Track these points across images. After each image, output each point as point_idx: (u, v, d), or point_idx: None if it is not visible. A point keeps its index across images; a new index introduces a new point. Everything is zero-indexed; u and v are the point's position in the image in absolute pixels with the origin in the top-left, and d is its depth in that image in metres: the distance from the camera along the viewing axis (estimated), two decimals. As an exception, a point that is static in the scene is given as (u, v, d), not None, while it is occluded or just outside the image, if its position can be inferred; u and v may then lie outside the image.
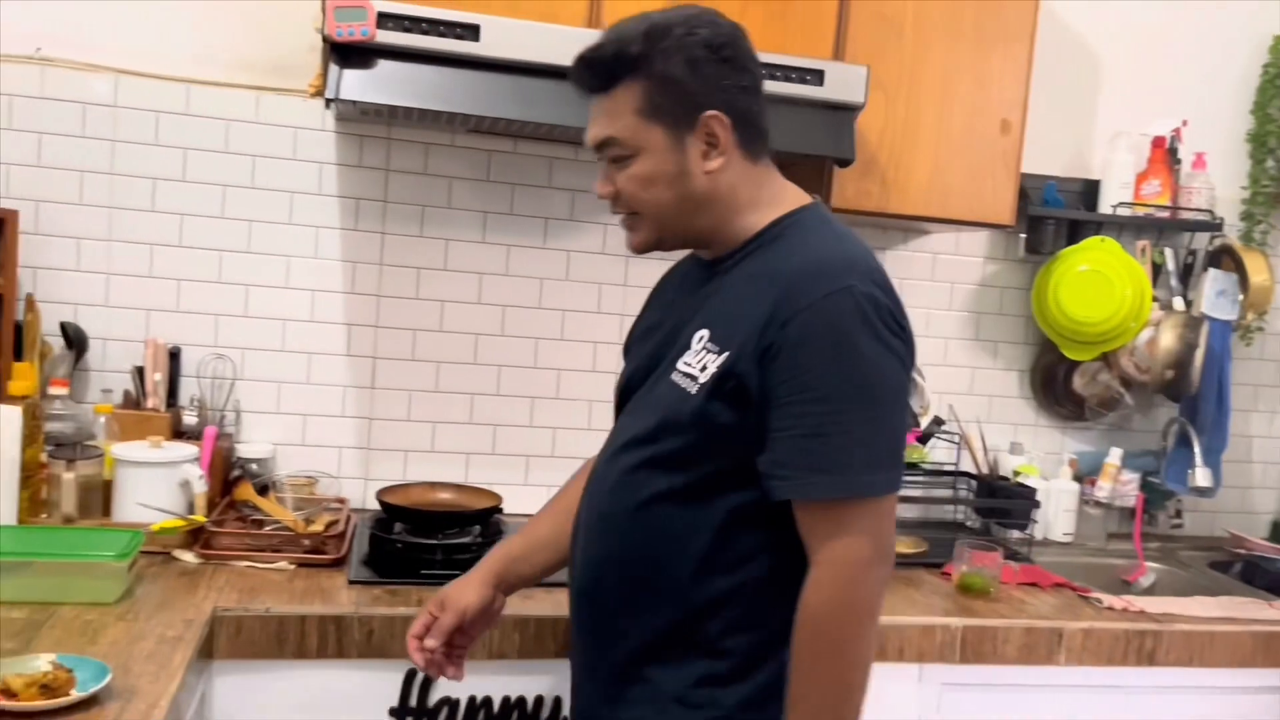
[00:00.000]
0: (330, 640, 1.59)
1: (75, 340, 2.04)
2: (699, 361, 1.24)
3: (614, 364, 2.28)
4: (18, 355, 1.94)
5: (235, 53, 2.09)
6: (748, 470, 1.21)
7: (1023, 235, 2.45)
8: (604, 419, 2.28)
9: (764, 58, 1.80)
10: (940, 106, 2.07)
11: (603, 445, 1.41)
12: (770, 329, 1.18)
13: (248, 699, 1.58)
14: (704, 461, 1.24)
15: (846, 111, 1.91)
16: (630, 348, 1.46)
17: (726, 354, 1.21)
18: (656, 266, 2.08)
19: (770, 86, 1.82)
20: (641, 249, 1.33)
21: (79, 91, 2.03)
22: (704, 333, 1.25)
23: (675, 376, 1.26)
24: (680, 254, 1.45)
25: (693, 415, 1.23)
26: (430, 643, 1.41)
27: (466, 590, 1.44)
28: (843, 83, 1.89)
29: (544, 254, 2.25)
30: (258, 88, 2.09)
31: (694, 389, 1.23)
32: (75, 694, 1.18)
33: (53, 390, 1.94)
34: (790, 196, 1.32)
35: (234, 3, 2.08)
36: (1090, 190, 2.47)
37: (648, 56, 1.22)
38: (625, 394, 1.40)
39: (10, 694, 1.16)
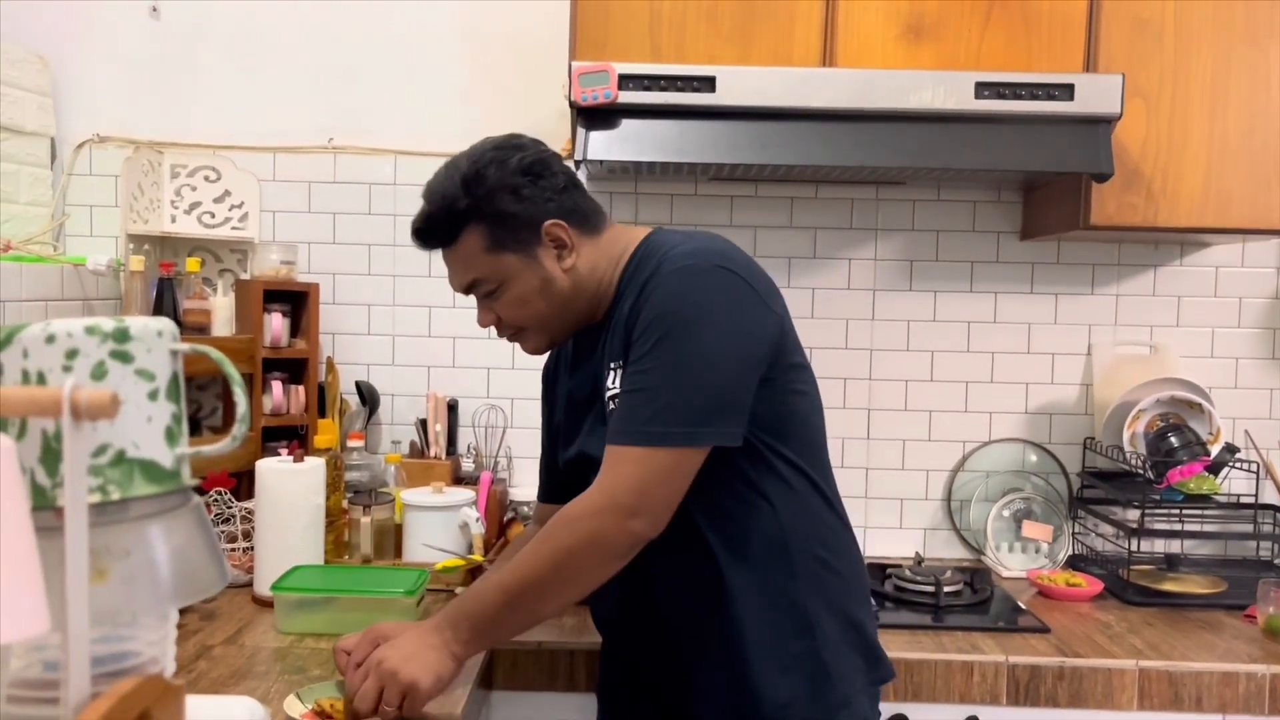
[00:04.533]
0: (597, 673, 1.65)
1: (368, 397, 2.26)
2: (617, 379, 1.33)
3: (865, 400, 2.27)
4: (321, 412, 2.17)
5: (494, 126, 2.23)
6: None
7: (1323, 240, 2.21)
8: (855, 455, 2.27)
9: (1009, 77, 1.80)
10: (1211, 109, 1.92)
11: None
12: (630, 322, 1.30)
13: (524, 727, 1.67)
14: None
15: (1101, 124, 1.81)
16: (561, 426, 1.52)
17: (623, 357, 1.32)
18: (912, 298, 2.03)
19: (1017, 106, 1.80)
20: (540, 353, 1.48)
21: (365, 174, 2.27)
22: (612, 361, 1.36)
23: (609, 406, 1.34)
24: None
25: None
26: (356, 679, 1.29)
27: None
28: (1096, 94, 1.80)
29: (789, 294, 2.25)
30: (516, 156, 2.25)
31: None
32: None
33: (351, 443, 2.15)
34: (634, 234, 1.42)
35: (491, 80, 2.26)
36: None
37: (475, 205, 1.34)
38: (579, 464, 1.44)
39: (325, 715, 1.29)
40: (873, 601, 1.64)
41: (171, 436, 0.64)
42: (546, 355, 1.61)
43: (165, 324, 0.65)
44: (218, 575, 0.65)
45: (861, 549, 2.23)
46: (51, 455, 0.60)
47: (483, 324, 1.43)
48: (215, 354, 0.69)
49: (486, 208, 1.34)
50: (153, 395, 0.64)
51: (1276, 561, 2.17)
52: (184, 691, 0.62)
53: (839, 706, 1.35)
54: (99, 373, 0.62)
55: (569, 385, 1.50)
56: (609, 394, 1.35)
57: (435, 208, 1.37)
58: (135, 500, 0.63)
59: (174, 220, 2.16)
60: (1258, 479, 2.12)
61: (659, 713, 1.44)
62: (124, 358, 0.62)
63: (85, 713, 0.53)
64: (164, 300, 2.04)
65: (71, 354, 0.61)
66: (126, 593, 0.61)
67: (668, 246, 1.34)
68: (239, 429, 0.68)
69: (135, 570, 0.61)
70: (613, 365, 1.35)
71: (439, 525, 1.97)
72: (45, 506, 0.62)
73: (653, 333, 1.26)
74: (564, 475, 1.51)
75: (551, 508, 1.59)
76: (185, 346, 0.65)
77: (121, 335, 0.62)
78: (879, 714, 1.43)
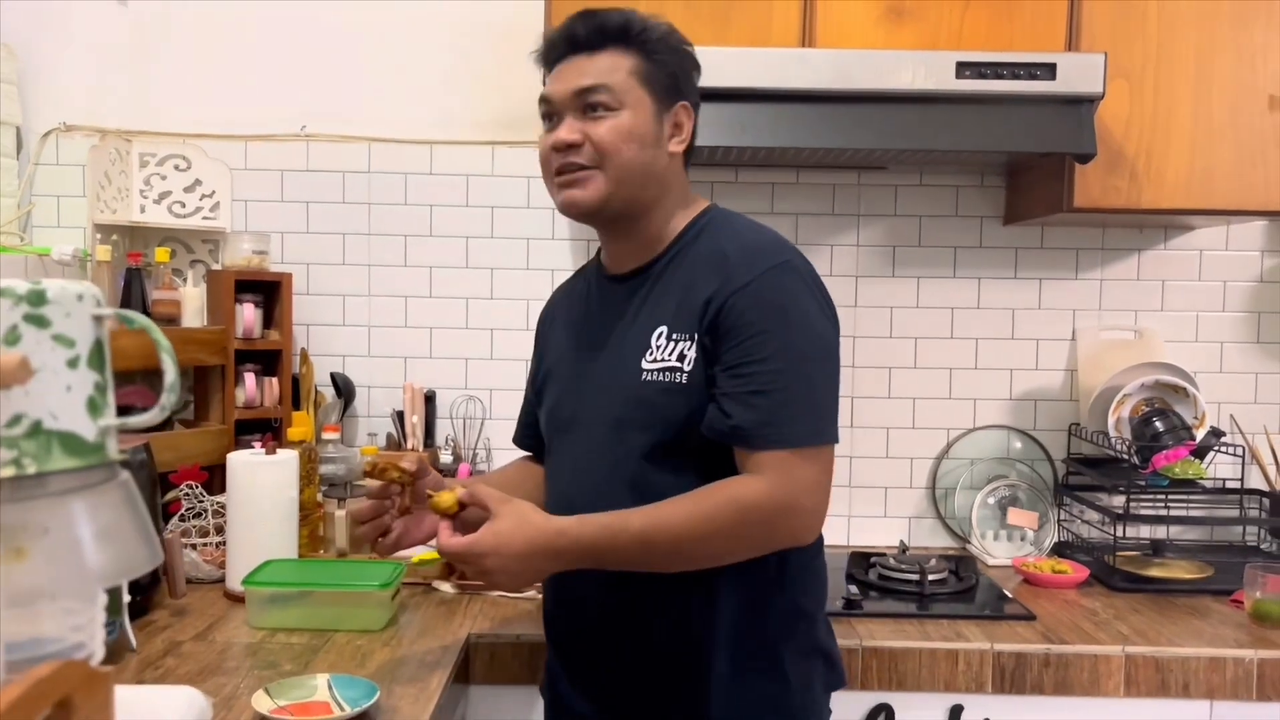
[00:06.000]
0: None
1: (344, 389, 2.22)
2: (672, 352, 1.30)
3: (848, 387, 2.23)
4: (295, 404, 2.14)
5: (471, 113, 2.23)
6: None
7: (1309, 222, 2.19)
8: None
9: (990, 57, 1.78)
10: (1195, 89, 1.90)
11: (556, 468, 1.45)
12: (715, 302, 1.27)
13: (502, 721, 1.64)
14: (693, 436, 1.29)
15: (1084, 104, 1.79)
16: (548, 379, 1.49)
17: (696, 334, 1.29)
18: (894, 284, 2.01)
19: (998, 86, 1.78)
20: (586, 205, 1.34)
21: (338, 161, 2.23)
22: (662, 329, 1.32)
23: (648, 376, 1.31)
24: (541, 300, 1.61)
25: (691, 398, 1.28)
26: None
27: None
28: (1077, 73, 1.77)
29: (772, 280, 2.24)
30: (492, 142, 2.22)
31: (682, 377, 1.29)
32: (349, 710, 1.26)
33: (326, 435, 2.11)
34: (699, 200, 1.43)
35: (466, 67, 2.23)
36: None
37: (648, 39, 1.34)
38: (563, 420, 1.43)
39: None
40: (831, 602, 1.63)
41: (94, 407, 0.61)
42: (542, 311, 1.60)
43: (87, 288, 0.62)
44: (147, 554, 0.62)
45: (845, 538, 2.22)
46: (-40, 426, 0.57)
47: (564, 138, 1.32)
48: (141, 319, 0.65)
49: (654, 50, 1.34)
50: (72, 363, 0.60)
51: (1263, 546, 2.15)
52: (111, 679, 0.59)
53: (798, 710, 1.34)
54: (11, 338, 0.58)
55: (575, 332, 1.47)
56: (652, 362, 1.31)
57: (614, 14, 1.34)
58: (54, 474, 0.59)
59: (143, 210, 2.12)
60: (1243, 463, 2.11)
61: (612, 713, 1.40)
62: (39, 322, 0.59)
63: (-5, 698, 0.50)
64: (132, 291, 2.01)
65: (-18, 318, 0.57)
66: (48, 573, 0.58)
67: (743, 233, 1.34)
68: (167, 398, 0.64)
69: (56, 549, 0.58)
70: (675, 336, 1.30)
71: (415, 517, 1.94)
72: (-44, 481, 0.59)
73: (772, 333, 1.24)
74: (542, 430, 1.49)
75: (524, 456, 1.61)
76: (109, 311, 0.62)
77: (37, 298, 0.59)
78: (830, 713, 1.42)
